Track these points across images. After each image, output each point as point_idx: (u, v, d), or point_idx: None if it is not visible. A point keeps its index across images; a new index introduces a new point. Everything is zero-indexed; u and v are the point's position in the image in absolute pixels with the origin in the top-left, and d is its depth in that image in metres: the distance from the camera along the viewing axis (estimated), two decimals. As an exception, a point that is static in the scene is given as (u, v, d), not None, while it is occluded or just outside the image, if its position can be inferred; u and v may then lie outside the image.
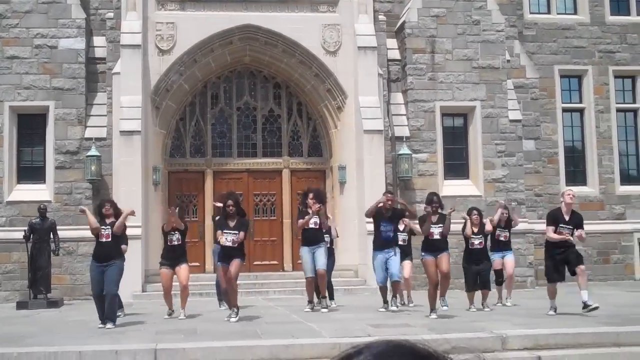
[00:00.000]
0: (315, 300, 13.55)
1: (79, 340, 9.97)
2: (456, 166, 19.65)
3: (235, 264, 11.86)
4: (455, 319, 11.64)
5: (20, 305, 15.72)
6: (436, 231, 12.32)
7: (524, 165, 19.73)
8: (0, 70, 18.22)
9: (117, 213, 12.00)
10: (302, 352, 9.08)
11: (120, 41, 18.20)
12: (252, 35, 19.36)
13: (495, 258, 14.12)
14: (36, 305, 15.63)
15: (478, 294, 13.25)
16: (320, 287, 13.40)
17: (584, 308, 11.73)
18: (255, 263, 19.24)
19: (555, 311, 12.01)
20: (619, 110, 22.17)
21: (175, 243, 12.85)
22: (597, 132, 21.76)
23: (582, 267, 12.04)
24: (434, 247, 12.34)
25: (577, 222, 12.17)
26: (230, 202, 12.04)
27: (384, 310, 12.87)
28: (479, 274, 13.21)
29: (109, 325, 11.41)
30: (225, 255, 11.99)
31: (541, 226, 19.84)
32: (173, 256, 12.85)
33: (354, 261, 18.54)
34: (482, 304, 13.11)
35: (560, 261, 12.08)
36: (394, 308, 12.89)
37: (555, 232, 12.08)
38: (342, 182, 19.30)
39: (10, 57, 18.25)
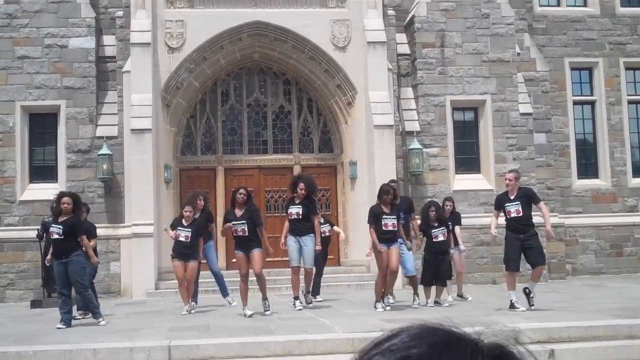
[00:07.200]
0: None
1: (93, 337, 10.03)
2: (467, 160, 19.60)
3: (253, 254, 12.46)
4: (466, 313, 11.60)
5: (35, 304, 15.81)
6: (389, 222, 12.13)
7: (536, 158, 19.65)
8: (11, 70, 18.31)
9: None
10: (315, 347, 9.10)
11: (130, 39, 18.25)
12: (262, 32, 19.36)
13: None
14: (50, 303, 15.64)
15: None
16: (306, 283, 13.31)
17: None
18: (267, 259, 19.17)
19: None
20: (630, 102, 22.04)
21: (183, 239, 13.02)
22: (609, 124, 21.65)
23: None
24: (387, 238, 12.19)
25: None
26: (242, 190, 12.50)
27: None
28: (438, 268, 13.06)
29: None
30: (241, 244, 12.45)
31: (553, 219, 19.85)
32: (183, 252, 13.04)
33: (365, 256, 18.49)
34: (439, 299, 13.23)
35: None
36: (415, 305, 12.69)
37: None
38: (353, 178, 19.29)
39: (21, 57, 18.33)
